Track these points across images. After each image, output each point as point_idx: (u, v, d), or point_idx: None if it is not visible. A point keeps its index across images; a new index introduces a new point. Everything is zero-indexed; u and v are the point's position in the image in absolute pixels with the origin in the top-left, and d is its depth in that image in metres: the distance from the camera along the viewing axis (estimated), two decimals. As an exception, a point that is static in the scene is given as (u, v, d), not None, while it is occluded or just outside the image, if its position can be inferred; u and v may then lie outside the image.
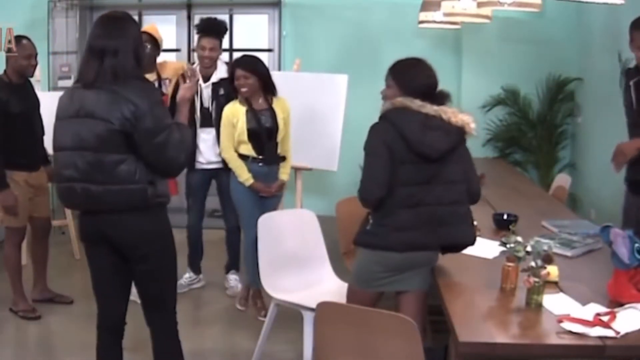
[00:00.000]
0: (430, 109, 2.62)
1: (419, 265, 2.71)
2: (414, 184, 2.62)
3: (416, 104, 2.62)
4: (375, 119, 2.73)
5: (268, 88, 4.01)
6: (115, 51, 2.53)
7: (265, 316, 3.60)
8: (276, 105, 4.05)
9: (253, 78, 3.92)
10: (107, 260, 2.70)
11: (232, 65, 4.07)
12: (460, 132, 2.67)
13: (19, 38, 3.97)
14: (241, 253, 4.47)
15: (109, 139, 2.51)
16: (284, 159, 4.17)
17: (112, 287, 2.76)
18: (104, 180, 2.53)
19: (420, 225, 2.64)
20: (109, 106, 2.50)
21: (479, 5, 3.66)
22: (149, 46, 4.12)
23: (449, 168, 2.67)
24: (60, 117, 2.62)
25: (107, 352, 2.82)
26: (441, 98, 2.70)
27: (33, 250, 4.35)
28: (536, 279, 2.33)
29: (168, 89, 4.30)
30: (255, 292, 4.24)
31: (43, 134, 4.10)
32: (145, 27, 4.39)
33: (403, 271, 2.69)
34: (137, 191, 2.55)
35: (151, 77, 4.15)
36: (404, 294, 2.77)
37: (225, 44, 6.68)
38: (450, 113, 2.64)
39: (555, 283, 2.55)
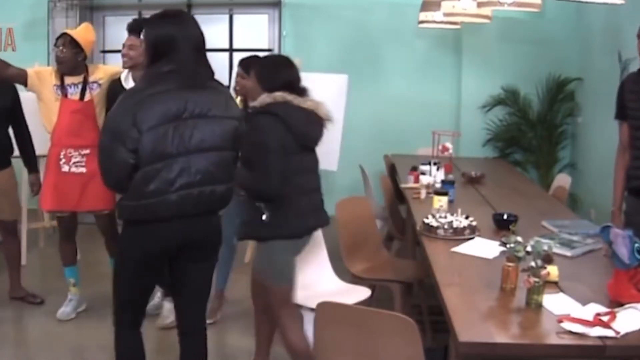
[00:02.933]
0: (306, 103, 2.84)
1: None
2: (304, 173, 2.87)
3: (296, 99, 2.84)
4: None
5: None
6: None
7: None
8: None
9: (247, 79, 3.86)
10: (161, 271, 2.63)
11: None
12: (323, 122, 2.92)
13: None
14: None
15: (229, 136, 2.53)
16: None
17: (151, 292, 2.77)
18: (227, 179, 2.56)
19: (312, 211, 2.91)
20: (225, 103, 2.54)
21: (479, 5, 3.66)
22: (64, 50, 3.75)
23: (316, 157, 2.98)
24: (160, 123, 2.38)
25: (132, 345, 2.73)
26: (304, 91, 2.91)
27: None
28: (536, 279, 2.33)
29: (93, 93, 3.85)
30: (218, 292, 4.17)
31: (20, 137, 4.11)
32: (77, 29, 3.96)
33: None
34: (233, 187, 2.63)
35: (77, 79, 3.83)
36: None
37: (226, 43, 6.74)
38: (320, 106, 2.89)
39: (555, 283, 2.55)
